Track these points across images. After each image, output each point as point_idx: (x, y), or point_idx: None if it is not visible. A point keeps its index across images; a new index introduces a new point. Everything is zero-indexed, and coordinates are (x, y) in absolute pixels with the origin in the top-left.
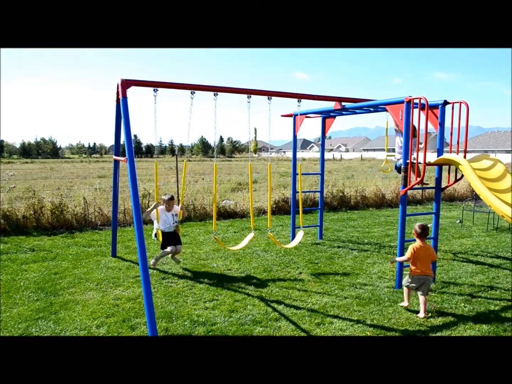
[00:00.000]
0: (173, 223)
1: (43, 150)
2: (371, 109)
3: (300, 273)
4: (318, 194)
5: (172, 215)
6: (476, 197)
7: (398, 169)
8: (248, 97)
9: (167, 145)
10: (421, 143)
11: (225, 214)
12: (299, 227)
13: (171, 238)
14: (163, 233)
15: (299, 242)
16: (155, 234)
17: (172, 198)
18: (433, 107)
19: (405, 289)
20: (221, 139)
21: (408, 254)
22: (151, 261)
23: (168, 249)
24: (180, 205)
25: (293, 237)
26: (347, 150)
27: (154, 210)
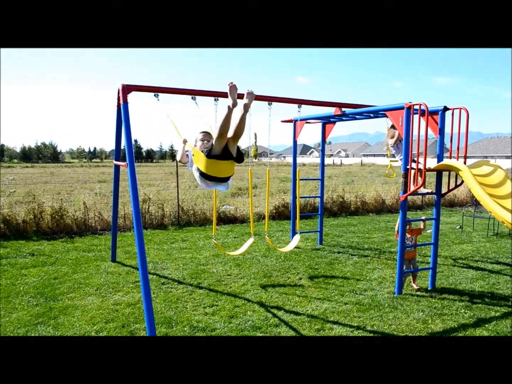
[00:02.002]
0: None
1: (43, 155)
2: (371, 115)
3: (300, 278)
4: (318, 200)
5: None
6: (476, 203)
7: None
8: None
9: (168, 150)
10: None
11: (225, 219)
12: (300, 232)
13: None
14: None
15: (298, 247)
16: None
17: (209, 133)
18: (433, 113)
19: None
20: None
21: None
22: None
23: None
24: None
25: None
26: (347, 156)
27: (184, 147)
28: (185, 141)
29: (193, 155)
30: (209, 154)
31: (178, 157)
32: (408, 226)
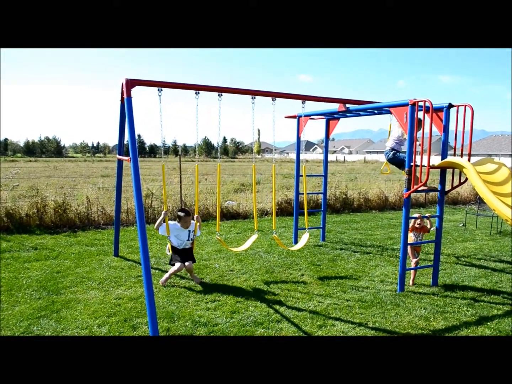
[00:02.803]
0: (188, 240)
1: (47, 149)
2: (375, 111)
3: (302, 275)
4: (321, 196)
5: (189, 231)
6: (479, 201)
7: (390, 160)
8: (252, 98)
9: (171, 145)
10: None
11: (228, 215)
12: (304, 229)
13: (182, 254)
14: (174, 248)
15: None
16: (168, 249)
17: (188, 214)
18: (437, 110)
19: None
20: (225, 139)
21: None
22: (161, 280)
23: (176, 266)
24: (195, 215)
25: (296, 238)
26: (350, 152)
27: (164, 224)
28: (166, 214)
29: (168, 244)
30: (170, 263)
31: (155, 225)
32: (420, 222)
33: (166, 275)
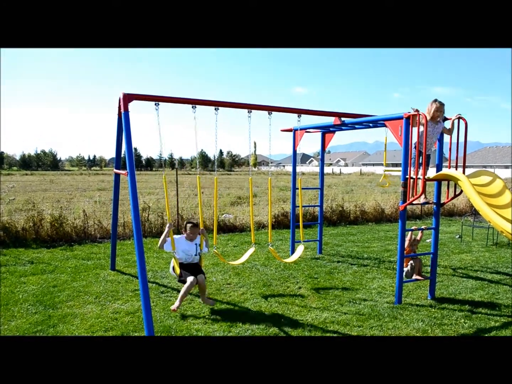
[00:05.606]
0: (196, 255)
1: (43, 162)
2: (371, 124)
3: (300, 288)
4: (317, 209)
5: (196, 244)
6: (475, 213)
7: None
8: (248, 112)
9: (167, 158)
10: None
11: (225, 228)
12: (299, 242)
13: (191, 269)
14: (182, 264)
15: (299, 257)
16: (173, 268)
17: (196, 226)
18: None
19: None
20: (221, 152)
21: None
22: (173, 306)
23: (188, 281)
24: (200, 229)
25: (293, 251)
26: (346, 165)
27: (169, 240)
28: (170, 227)
29: (174, 261)
30: (180, 279)
31: (159, 243)
32: (414, 243)
33: (179, 297)
